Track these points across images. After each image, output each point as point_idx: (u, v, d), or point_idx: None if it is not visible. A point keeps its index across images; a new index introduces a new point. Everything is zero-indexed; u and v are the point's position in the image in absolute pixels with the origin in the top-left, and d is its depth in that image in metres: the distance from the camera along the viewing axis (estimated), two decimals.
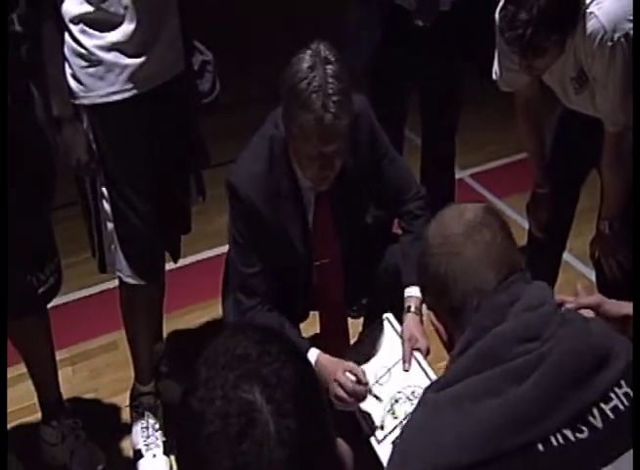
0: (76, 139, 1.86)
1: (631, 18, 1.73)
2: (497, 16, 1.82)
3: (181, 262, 2.95)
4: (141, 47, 1.85)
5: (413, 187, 1.99)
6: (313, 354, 1.84)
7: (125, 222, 1.96)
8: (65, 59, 1.83)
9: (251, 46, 4.59)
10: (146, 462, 2.16)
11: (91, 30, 1.81)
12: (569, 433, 1.00)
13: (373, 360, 1.90)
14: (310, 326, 2.21)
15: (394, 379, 1.82)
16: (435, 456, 1.00)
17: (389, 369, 1.84)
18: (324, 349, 1.95)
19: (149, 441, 2.18)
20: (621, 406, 1.03)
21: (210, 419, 0.78)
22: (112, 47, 1.82)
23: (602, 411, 1.02)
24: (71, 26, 1.81)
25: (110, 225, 1.99)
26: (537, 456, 0.98)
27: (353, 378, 1.75)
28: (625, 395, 1.04)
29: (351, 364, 1.79)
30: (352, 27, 2.45)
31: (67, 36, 1.82)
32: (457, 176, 3.61)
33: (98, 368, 2.49)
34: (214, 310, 2.37)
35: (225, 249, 2.09)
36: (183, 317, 2.67)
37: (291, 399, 0.79)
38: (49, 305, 2.30)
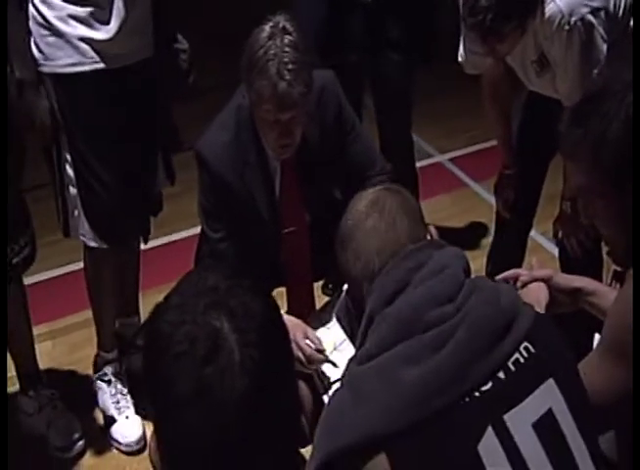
0: (39, 102, 1.88)
1: (588, 3, 1.79)
2: (460, 2, 1.87)
3: (159, 241, 3.01)
4: (102, 22, 1.87)
5: (377, 163, 2.03)
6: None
7: (88, 189, 2.01)
8: (27, 25, 1.85)
9: (234, 30, 4.61)
10: (120, 425, 2.23)
11: (52, 0, 1.83)
12: (475, 392, 1.06)
13: (333, 328, 1.95)
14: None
15: (352, 347, 1.87)
16: (365, 427, 1.04)
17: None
18: None
19: (120, 405, 2.24)
20: (522, 359, 1.10)
21: (179, 340, 0.81)
22: (70, 19, 1.85)
23: (506, 367, 1.09)
24: None
25: (73, 190, 2.02)
26: (451, 417, 1.04)
27: (312, 345, 1.81)
28: (526, 349, 1.11)
29: (310, 330, 1.85)
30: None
31: (29, 4, 1.85)
32: (436, 160, 3.70)
33: (77, 342, 2.54)
34: None
35: None
36: (161, 294, 2.70)
37: (256, 331, 0.82)
38: (31, 281, 2.36)
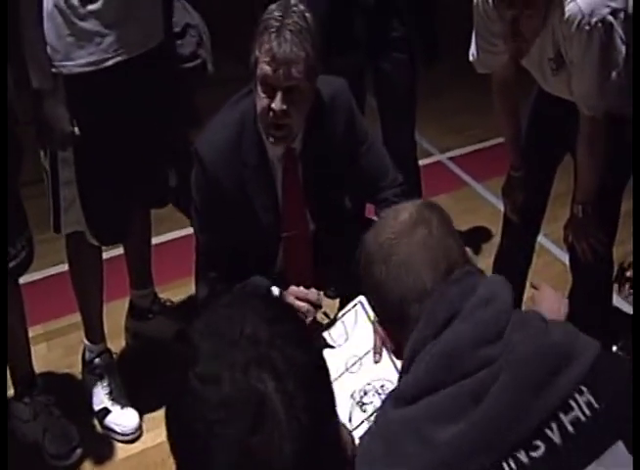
0: (59, 111, 1.83)
1: (609, 3, 1.74)
2: None
3: (164, 238, 2.95)
4: (119, 15, 1.84)
5: (390, 174, 2.00)
6: (275, 291, 1.84)
7: (90, 190, 1.97)
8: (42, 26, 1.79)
9: (239, 20, 4.55)
10: (115, 416, 2.19)
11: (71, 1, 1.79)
12: (522, 455, 0.93)
13: (344, 346, 1.88)
14: None
15: (364, 369, 1.78)
16: None
17: (360, 358, 1.82)
18: None
19: (113, 396, 2.20)
20: (583, 417, 0.95)
21: (214, 406, 0.71)
22: (90, 16, 1.81)
23: (561, 424, 0.95)
24: None
25: (66, 189, 1.98)
26: None
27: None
28: (588, 404, 0.96)
29: (299, 289, 1.83)
30: None
31: (45, 3, 1.79)
32: (436, 159, 3.66)
33: (73, 345, 2.46)
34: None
35: None
36: (168, 292, 2.65)
37: (302, 389, 0.73)
38: (25, 281, 2.29)
